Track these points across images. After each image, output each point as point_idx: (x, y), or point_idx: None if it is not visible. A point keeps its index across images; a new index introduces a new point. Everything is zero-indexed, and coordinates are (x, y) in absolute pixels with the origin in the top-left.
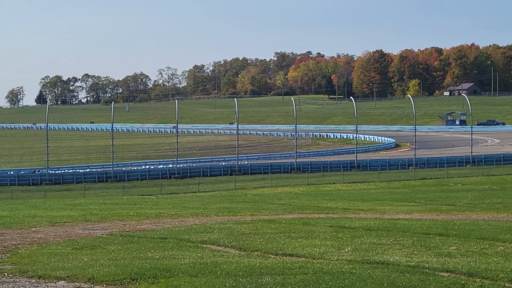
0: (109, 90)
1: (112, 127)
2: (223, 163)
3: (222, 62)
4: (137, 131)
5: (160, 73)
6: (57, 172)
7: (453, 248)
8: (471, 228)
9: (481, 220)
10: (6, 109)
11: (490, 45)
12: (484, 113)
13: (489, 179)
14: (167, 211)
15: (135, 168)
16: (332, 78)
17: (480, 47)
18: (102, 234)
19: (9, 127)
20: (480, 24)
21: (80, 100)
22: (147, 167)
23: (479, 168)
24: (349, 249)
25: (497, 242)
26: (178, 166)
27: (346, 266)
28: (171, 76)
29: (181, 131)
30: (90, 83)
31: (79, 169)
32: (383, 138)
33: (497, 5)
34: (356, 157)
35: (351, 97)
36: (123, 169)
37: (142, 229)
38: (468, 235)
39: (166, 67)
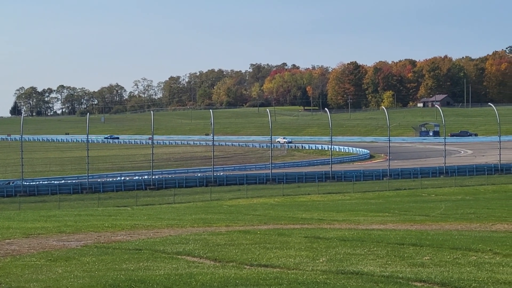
0: (84, 101)
1: (88, 138)
2: (199, 174)
3: (198, 73)
4: (113, 142)
5: (136, 85)
6: (31, 183)
7: (426, 258)
8: (445, 238)
9: (454, 230)
10: None
11: (462, 57)
12: (457, 124)
13: (462, 189)
14: (142, 222)
15: (110, 180)
16: (307, 89)
17: (453, 59)
18: (76, 246)
19: None
20: (453, 36)
21: (55, 111)
22: (123, 178)
23: (452, 179)
24: (323, 259)
25: (470, 252)
26: (153, 177)
27: (320, 277)
28: (146, 88)
29: (157, 142)
30: (65, 94)
31: (54, 180)
32: (357, 149)
33: (470, 18)
34: (331, 168)
35: (326, 109)
36: (98, 180)
37: (117, 240)
38: (441, 245)
39: (141, 79)
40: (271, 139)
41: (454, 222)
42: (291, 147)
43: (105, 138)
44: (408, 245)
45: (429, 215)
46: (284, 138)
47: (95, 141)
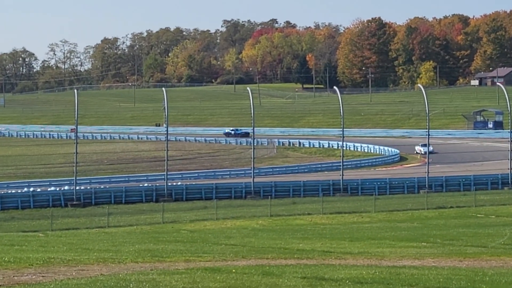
0: None
1: None
2: (146, 184)
3: (145, 34)
4: (18, 135)
5: (52, 50)
6: None
7: None
8: (509, 280)
9: None
10: None
11: None
12: None
13: None
14: (61, 255)
15: (13, 192)
16: (307, 59)
17: None
18: None
19: None
20: None
21: None
22: (32, 189)
23: None
24: None
25: None
26: (78, 188)
27: None
28: (68, 55)
29: (83, 136)
30: None
31: None
32: (381, 147)
33: None
34: (342, 175)
35: (335, 87)
36: None
37: (23, 282)
38: None
39: (61, 41)
40: (253, 132)
41: None
42: (283, 144)
43: (225, 133)
44: None
45: (486, 245)
46: (423, 146)
47: None
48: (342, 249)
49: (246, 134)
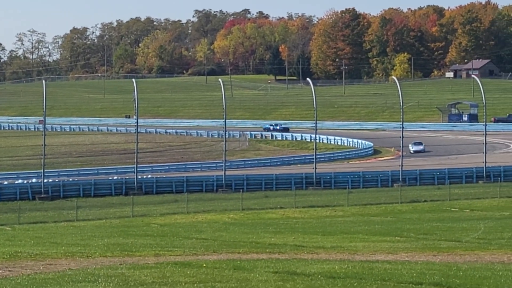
0: None
1: None
2: (115, 177)
3: (115, 24)
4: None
5: (20, 40)
6: None
7: None
8: (483, 275)
9: (497, 263)
10: None
11: None
12: (505, 104)
13: (511, 202)
14: (28, 249)
15: None
16: (280, 50)
17: (499, 7)
18: None
19: None
20: None
21: None
22: None
23: (495, 186)
24: None
25: None
26: (45, 181)
27: None
28: (36, 45)
29: (52, 127)
30: None
31: None
32: (355, 140)
33: None
34: (315, 168)
35: (308, 79)
36: None
37: None
38: (478, 285)
39: (29, 31)
40: (225, 124)
41: (497, 251)
42: (255, 136)
43: (265, 128)
44: (429, 285)
45: (460, 240)
46: (418, 145)
47: None
48: (315, 244)
49: (286, 129)
